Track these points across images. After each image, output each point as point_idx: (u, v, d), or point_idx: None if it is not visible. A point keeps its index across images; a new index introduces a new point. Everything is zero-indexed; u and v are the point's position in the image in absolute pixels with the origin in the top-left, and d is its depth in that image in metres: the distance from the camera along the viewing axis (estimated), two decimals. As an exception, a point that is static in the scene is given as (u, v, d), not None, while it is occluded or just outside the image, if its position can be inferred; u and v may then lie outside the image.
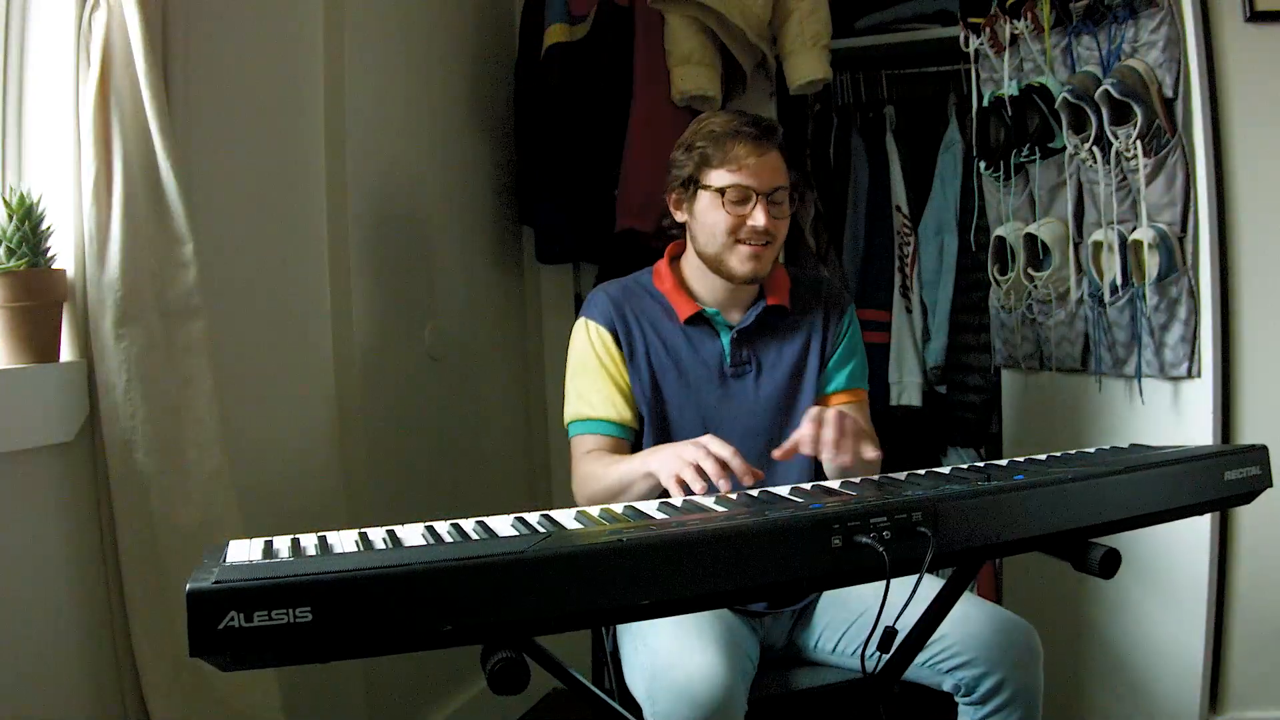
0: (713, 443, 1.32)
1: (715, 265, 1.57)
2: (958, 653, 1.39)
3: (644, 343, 1.59)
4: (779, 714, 1.50)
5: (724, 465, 1.30)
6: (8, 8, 1.43)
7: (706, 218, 1.55)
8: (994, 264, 2.21)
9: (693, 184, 1.56)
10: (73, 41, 1.41)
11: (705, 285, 1.61)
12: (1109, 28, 1.90)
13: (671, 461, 1.33)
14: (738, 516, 0.98)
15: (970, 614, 1.38)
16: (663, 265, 1.65)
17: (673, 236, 1.69)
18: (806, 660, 1.59)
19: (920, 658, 1.37)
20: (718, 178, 1.53)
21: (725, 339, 1.60)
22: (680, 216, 1.61)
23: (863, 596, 1.49)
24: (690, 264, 1.63)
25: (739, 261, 1.54)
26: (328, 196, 1.96)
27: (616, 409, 1.58)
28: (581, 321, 1.63)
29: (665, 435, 1.59)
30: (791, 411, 1.61)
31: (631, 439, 1.60)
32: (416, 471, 2.20)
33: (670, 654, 1.33)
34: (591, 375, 1.60)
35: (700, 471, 1.29)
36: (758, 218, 1.51)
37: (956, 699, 1.41)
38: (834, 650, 1.55)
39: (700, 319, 1.60)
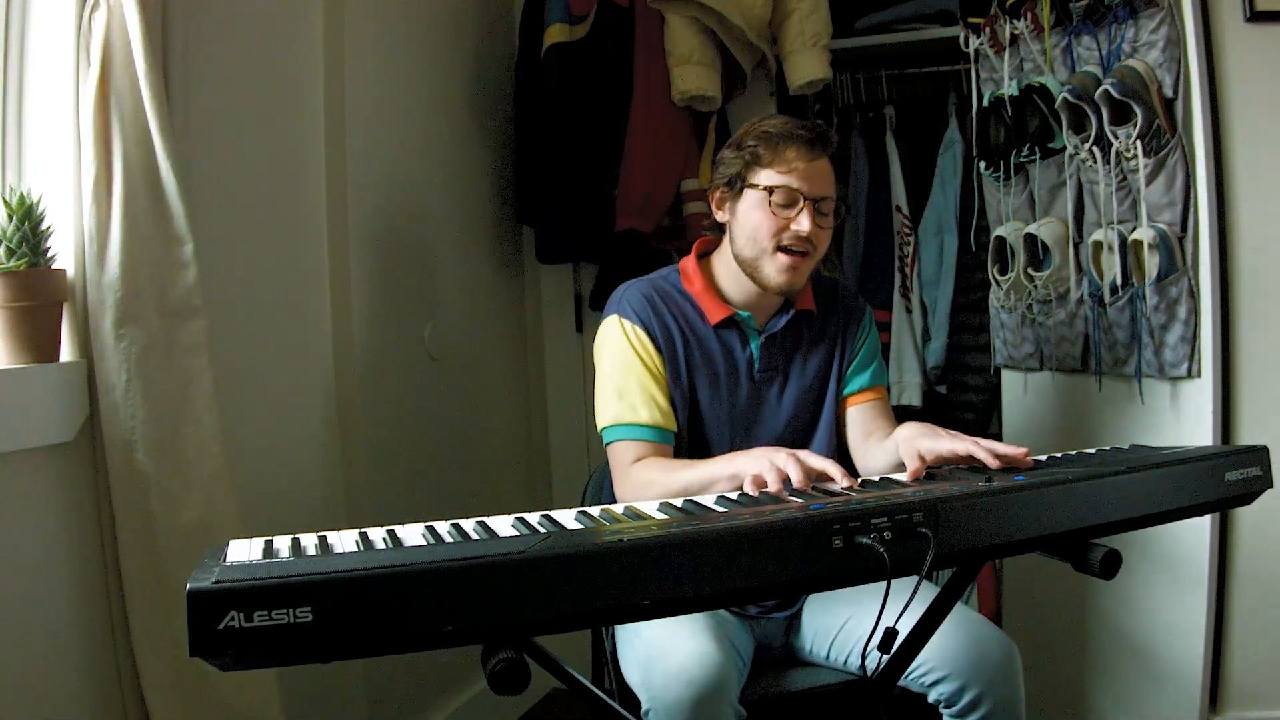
0: (812, 457, 1.27)
1: (751, 270, 1.53)
2: (934, 668, 1.39)
3: (681, 343, 1.56)
4: (777, 714, 1.50)
5: (817, 475, 1.25)
6: (8, 8, 1.43)
7: (749, 218, 1.51)
8: (994, 264, 2.21)
9: (739, 182, 1.52)
10: (73, 41, 1.41)
11: (738, 286, 1.57)
12: (1109, 28, 1.90)
13: (760, 462, 1.28)
14: (738, 517, 0.98)
15: (946, 630, 1.35)
16: (690, 265, 1.61)
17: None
18: (801, 661, 1.60)
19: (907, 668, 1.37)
20: (766, 177, 1.50)
21: (755, 344, 1.58)
22: (721, 216, 1.57)
23: (848, 604, 1.50)
24: (723, 263, 1.59)
25: (775, 271, 1.51)
26: (328, 196, 1.96)
27: (662, 412, 1.52)
28: (614, 319, 1.57)
29: (698, 438, 1.57)
30: (816, 418, 1.61)
31: (673, 444, 1.55)
32: (416, 471, 2.20)
33: (663, 641, 1.34)
34: (634, 375, 1.53)
35: (785, 479, 1.24)
36: (802, 223, 1.47)
37: (941, 709, 1.41)
38: (827, 656, 1.55)
39: (730, 323, 1.58)
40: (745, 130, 1.55)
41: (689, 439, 1.57)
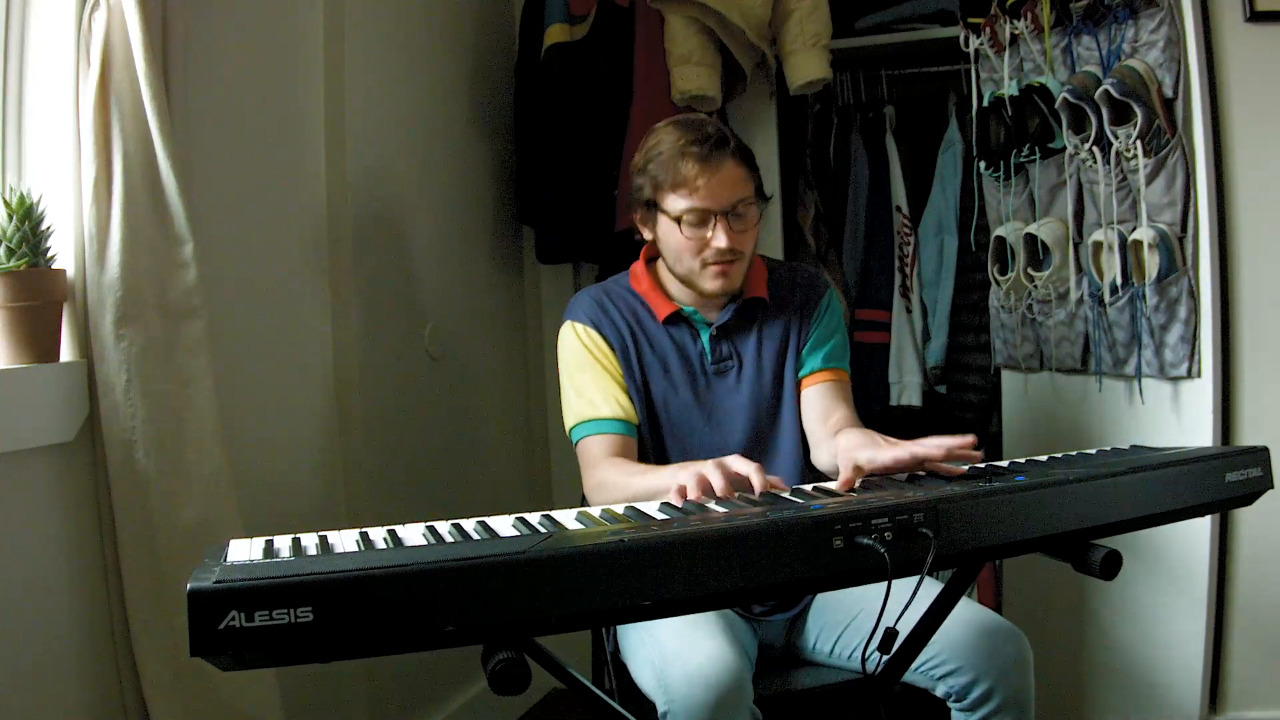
0: (735, 461, 1.25)
1: (686, 283, 1.56)
2: (945, 660, 1.38)
3: (632, 341, 1.58)
4: (779, 713, 1.50)
5: (741, 481, 1.23)
6: (8, 8, 1.43)
7: (669, 240, 1.53)
8: (994, 264, 2.21)
9: (652, 206, 1.53)
10: (73, 41, 1.41)
11: (679, 288, 1.60)
12: (1109, 28, 1.90)
13: (685, 473, 1.24)
14: (739, 517, 0.98)
15: (958, 622, 1.36)
16: (639, 267, 1.64)
17: None
18: (805, 661, 1.59)
19: (912, 664, 1.37)
20: (672, 203, 1.49)
21: (705, 336, 1.60)
22: (647, 234, 1.59)
23: (856, 599, 1.49)
24: (665, 267, 1.61)
25: (708, 281, 1.53)
26: (327, 196, 1.96)
27: (622, 406, 1.55)
28: (567, 325, 1.61)
29: (657, 433, 1.59)
30: (778, 405, 1.60)
31: (637, 437, 1.57)
32: (416, 471, 2.20)
33: (677, 644, 1.34)
34: (591, 373, 1.57)
35: (706, 486, 1.21)
36: (719, 239, 1.48)
37: (949, 704, 1.41)
38: (831, 654, 1.55)
39: (679, 318, 1.60)
40: (643, 153, 1.54)
41: (649, 435, 1.58)
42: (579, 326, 1.59)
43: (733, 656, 1.31)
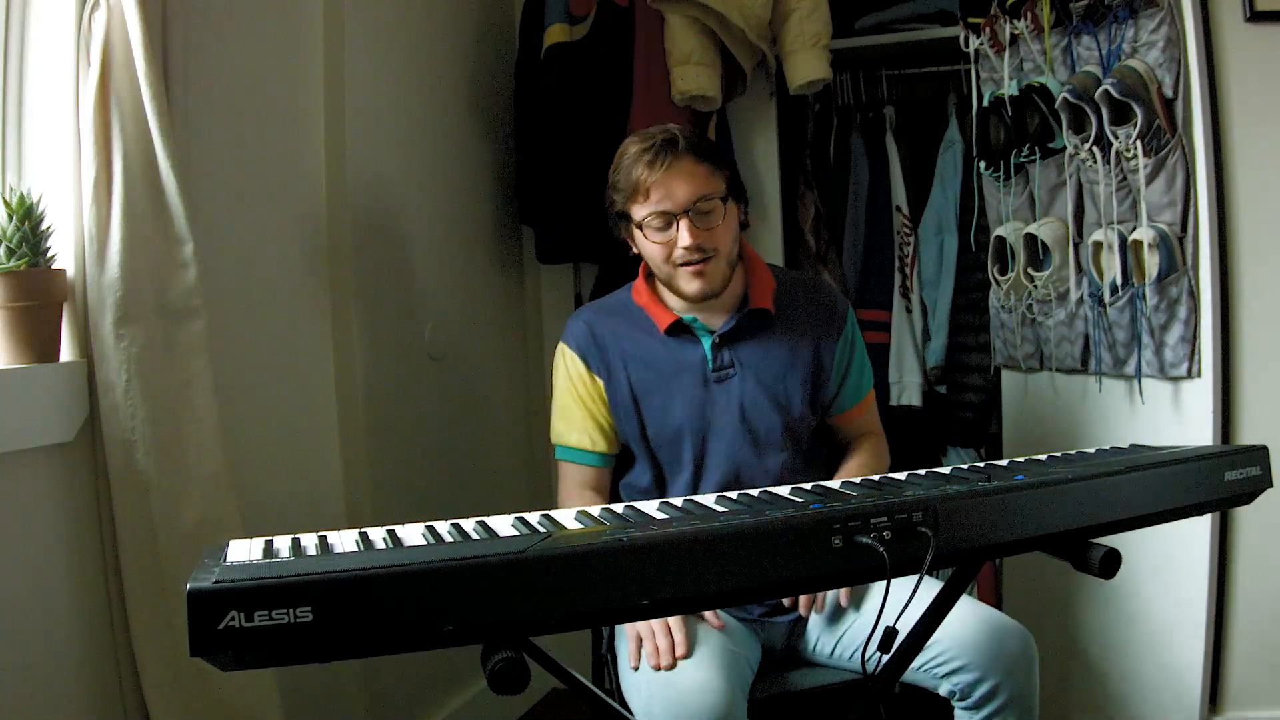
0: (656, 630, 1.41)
1: (671, 289, 1.58)
2: (952, 658, 1.38)
3: (622, 360, 1.60)
4: (779, 714, 1.50)
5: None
6: (8, 8, 1.43)
7: (646, 249, 1.56)
8: (994, 264, 2.21)
9: (624, 220, 1.57)
10: (73, 41, 1.42)
11: (675, 298, 1.61)
12: (1109, 28, 1.90)
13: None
14: (738, 516, 0.98)
15: (965, 619, 1.38)
16: (640, 281, 1.66)
17: None
18: (806, 662, 1.59)
19: (916, 662, 1.37)
20: (637, 211, 1.53)
21: (706, 344, 1.60)
22: (635, 249, 1.62)
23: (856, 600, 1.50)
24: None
25: (684, 283, 1.54)
26: (327, 196, 1.96)
27: (591, 439, 1.62)
28: (560, 347, 1.66)
29: (649, 447, 1.60)
30: (782, 413, 1.60)
31: (610, 464, 1.65)
32: (416, 471, 2.20)
33: (665, 672, 1.34)
34: (568, 405, 1.64)
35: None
36: (682, 237, 1.50)
37: (953, 703, 1.41)
38: (831, 654, 1.55)
39: (680, 327, 1.60)
40: (612, 168, 1.59)
41: (641, 449, 1.62)
42: (568, 353, 1.64)
43: (720, 686, 1.31)
